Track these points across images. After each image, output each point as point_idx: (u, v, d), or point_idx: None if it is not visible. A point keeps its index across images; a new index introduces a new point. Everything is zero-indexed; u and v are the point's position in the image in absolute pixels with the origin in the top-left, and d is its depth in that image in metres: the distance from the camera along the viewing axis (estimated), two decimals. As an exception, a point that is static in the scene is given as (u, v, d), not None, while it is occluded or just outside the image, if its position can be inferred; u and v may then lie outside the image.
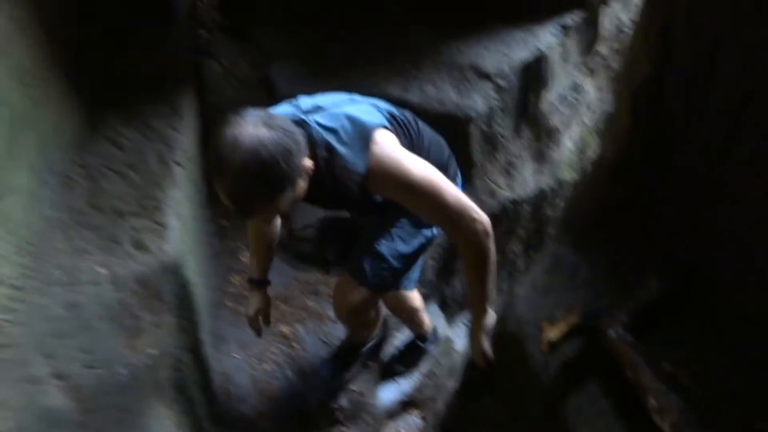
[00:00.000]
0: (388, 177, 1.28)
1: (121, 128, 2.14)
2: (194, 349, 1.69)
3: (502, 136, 2.88)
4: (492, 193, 3.00)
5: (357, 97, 1.53)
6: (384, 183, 1.29)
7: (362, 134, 1.29)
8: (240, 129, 1.14)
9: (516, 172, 3.13)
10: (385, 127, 1.34)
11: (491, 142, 2.84)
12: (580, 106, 3.42)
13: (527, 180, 3.24)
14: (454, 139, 2.67)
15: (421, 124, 1.62)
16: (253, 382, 2.22)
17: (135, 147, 2.07)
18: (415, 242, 1.69)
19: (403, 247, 1.66)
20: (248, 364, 2.31)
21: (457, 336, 2.92)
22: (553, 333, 1.23)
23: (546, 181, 3.39)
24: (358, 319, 1.92)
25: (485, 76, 2.71)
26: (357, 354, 2.28)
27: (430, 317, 2.52)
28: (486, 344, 1.43)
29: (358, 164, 1.27)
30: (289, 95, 2.59)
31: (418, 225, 1.68)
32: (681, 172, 1.19)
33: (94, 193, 1.89)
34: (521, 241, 3.67)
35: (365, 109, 1.39)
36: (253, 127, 1.14)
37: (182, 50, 2.55)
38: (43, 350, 1.36)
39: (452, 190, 1.32)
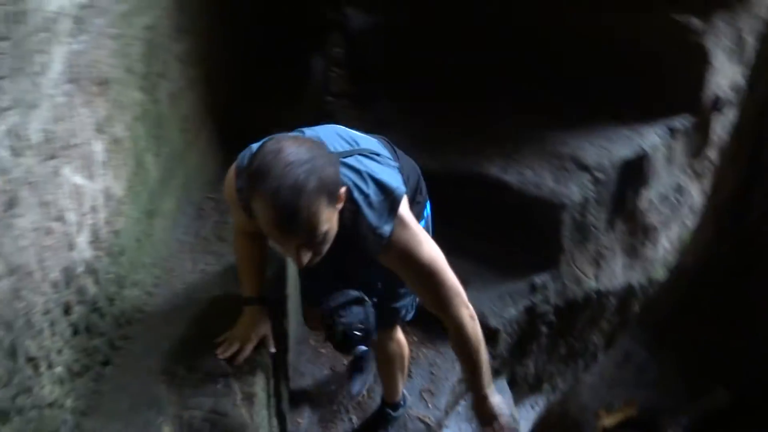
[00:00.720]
0: (402, 253, 1.31)
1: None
2: (277, 379, 1.88)
3: (595, 227, 2.92)
4: (578, 281, 3.02)
5: (340, 129, 1.52)
6: (396, 257, 1.32)
7: (390, 203, 1.30)
8: (286, 147, 1.12)
9: (605, 264, 3.13)
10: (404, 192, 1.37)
11: (583, 231, 2.89)
12: (681, 207, 3.38)
13: (616, 273, 3.22)
14: (546, 223, 2.79)
15: (399, 152, 1.67)
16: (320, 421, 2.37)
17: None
18: None
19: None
20: (320, 401, 2.46)
21: (522, 418, 2.90)
22: (608, 421, 1.26)
23: (637, 277, 3.34)
24: (403, 361, 2.02)
25: (584, 167, 2.80)
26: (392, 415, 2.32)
27: (498, 392, 2.53)
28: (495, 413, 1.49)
29: (385, 229, 1.29)
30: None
31: None
32: (759, 288, 1.22)
33: (219, 224, 2.19)
34: (603, 334, 3.59)
35: (384, 169, 1.37)
36: (297, 146, 1.14)
37: (312, 110, 2.90)
38: (159, 349, 1.61)
39: (451, 276, 1.38)
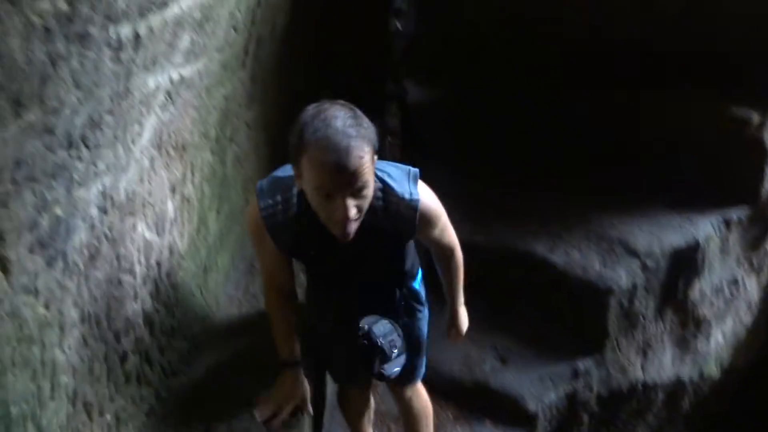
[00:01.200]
0: (434, 214, 1.44)
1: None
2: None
3: (643, 315, 2.84)
4: (623, 370, 2.90)
5: None
6: (429, 221, 1.43)
7: (408, 173, 1.41)
8: (329, 106, 1.23)
9: (653, 355, 3.01)
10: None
11: (630, 319, 2.81)
12: (737, 301, 3.25)
13: (665, 365, 3.09)
14: (592, 307, 2.73)
15: None
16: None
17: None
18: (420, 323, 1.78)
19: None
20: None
21: None
22: None
23: (687, 372, 3.18)
24: (428, 420, 2.06)
25: (633, 252, 2.76)
26: None
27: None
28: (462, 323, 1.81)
29: (414, 194, 1.36)
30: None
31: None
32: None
33: (268, 282, 2.27)
34: (650, 428, 3.40)
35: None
36: (339, 105, 1.25)
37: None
38: (201, 405, 1.64)
39: None
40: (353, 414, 2.06)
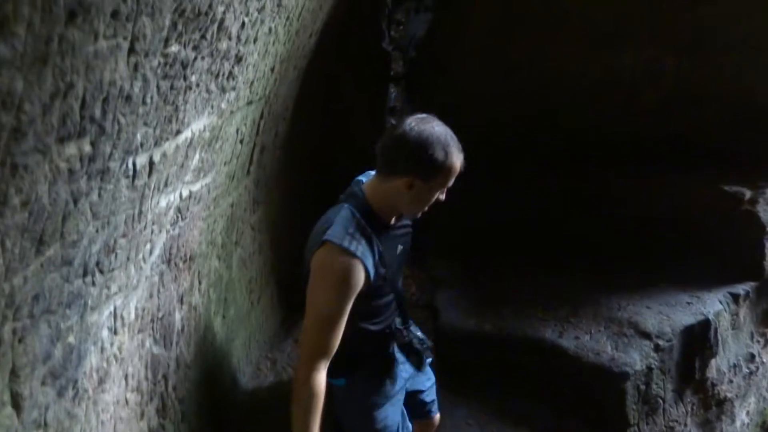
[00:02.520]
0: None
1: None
2: None
3: (662, 399, 2.75)
4: (649, 459, 2.77)
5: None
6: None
7: None
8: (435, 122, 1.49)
9: (678, 440, 2.88)
10: None
11: (649, 403, 2.71)
12: (756, 377, 3.16)
13: (692, 451, 2.94)
14: (608, 394, 2.65)
15: None
16: None
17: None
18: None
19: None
20: None
21: None
22: None
23: (716, 457, 3.03)
24: None
25: (645, 334, 2.72)
26: None
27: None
28: None
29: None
30: (450, 323, 2.90)
31: None
32: None
33: (275, 386, 2.22)
34: None
35: None
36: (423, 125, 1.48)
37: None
38: None
39: None
40: None
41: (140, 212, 1.15)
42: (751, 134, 3.14)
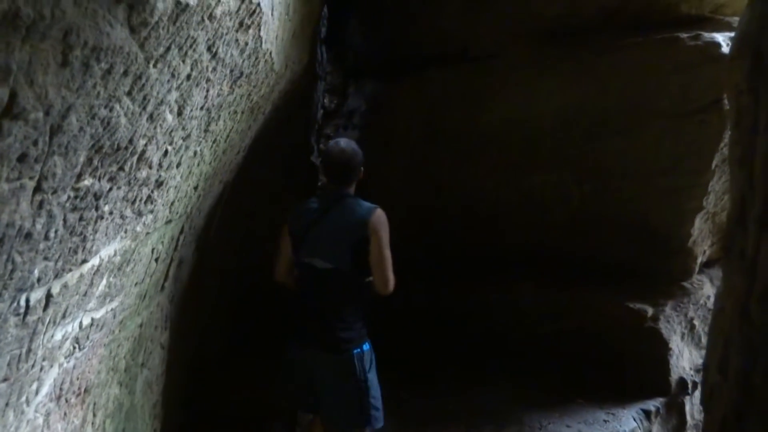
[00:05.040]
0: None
1: None
2: None
3: None
4: None
5: None
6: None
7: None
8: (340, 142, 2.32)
9: None
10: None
11: None
12: (674, 496, 3.18)
13: None
14: None
15: None
16: None
17: None
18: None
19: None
20: None
21: None
22: None
23: None
24: None
25: (566, 454, 2.71)
26: None
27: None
28: None
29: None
30: None
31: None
32: None
33: None
34: None
35: None
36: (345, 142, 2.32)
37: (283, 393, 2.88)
38: None
39: None
40: None
41: (29, 350, 1.05)
42: (646, 254, 3.41)
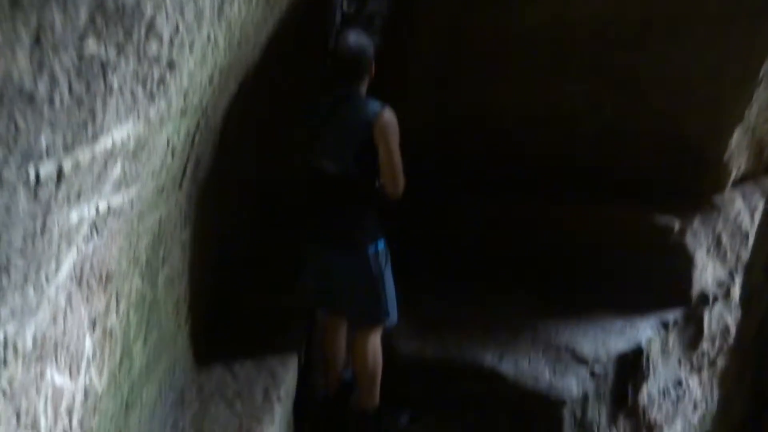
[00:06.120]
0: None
1: (239, 356, 2.40)
2: None
3: (597, 425, 2.78)
4: (583, 485, 2.77)
5: None
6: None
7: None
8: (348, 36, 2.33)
9: (611, 466, 2.91)
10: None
11: (584, 428, 2.73)
12: (683, 402, 3.25)
13: (623, 476, 2.98)
14: (545, 420, 2.65)
15: None
16: None
17: (246, 376, 2.29)
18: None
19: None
20: None
21: None
22: None
23: (645, 481, 3.09)
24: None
25: (581, 360, 2.75)
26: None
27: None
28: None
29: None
30: (390, 347, 2.82)
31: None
32: None
33: (200, 415, 2.07)
34: None
35: None
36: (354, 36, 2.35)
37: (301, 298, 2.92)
38: None
39: None
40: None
41: (44, 227, 1.02)
42: (678, 168, 3.29)
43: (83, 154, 1.09)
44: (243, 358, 2.39)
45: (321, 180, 2.42)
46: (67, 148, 1.01)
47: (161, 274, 2.02)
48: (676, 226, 3.10)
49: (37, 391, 1.17)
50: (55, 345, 1.22)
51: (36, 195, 0.96)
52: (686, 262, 3.08)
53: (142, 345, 1.85)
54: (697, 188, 3.26)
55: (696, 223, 3.18)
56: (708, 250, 3.24)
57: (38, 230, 1.01)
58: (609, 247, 3.15)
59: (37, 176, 0.94)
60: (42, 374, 1.19)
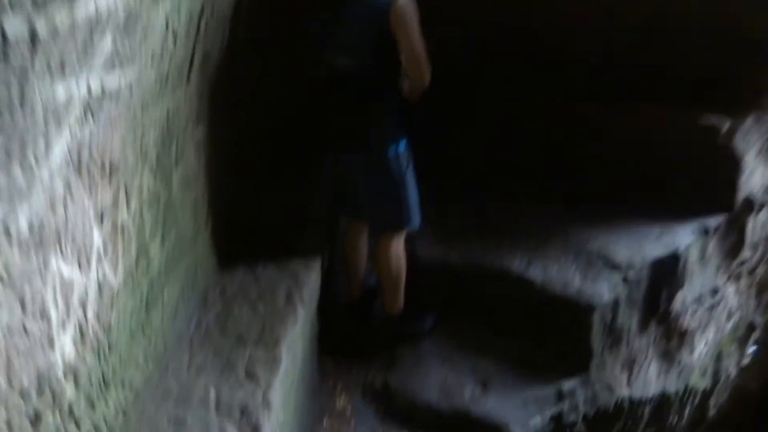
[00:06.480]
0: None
1: (261, 259, 2.37)
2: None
3: (627, 330, 2.72)
4: (609, 388, 2.77)
5: None
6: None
7: None
8: None
9: (638, 370, 2.88)
10: None
11: (614, 334, 2.68)
12: (718, 310, 3.16)
13: (650, 380, 2.97)
14: (574, 325, 2.59)
15: None
16: None
17: (269, 278, 2.27)
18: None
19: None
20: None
21: None
22: None
23: (673, 384, 3.07)
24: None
25: (614, 266, 2.65)
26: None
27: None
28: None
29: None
30: (414, 252, 2.76)
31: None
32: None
33: (224, 316, 2.06)
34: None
35: None
36: None
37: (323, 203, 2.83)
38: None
39: None
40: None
41: (22, 98, 0.92)
42: (731, 64, 2.97)
43: (60, 17, 0.96)
44: (265, 261, 2.36)
45: (337, 78, 2.26)
46: (37, 5, 0.88)
47: (175, 173, 1.94)
48: (725, 126, 2.85)
49: (43, 281, 1.12)
50: (58, 234, 1.15)
51: (6, 57, 0.85)
52: (733, 165, 2.86)
53: (159, 245, 1.81)
54: (751, 86, 2.96)
55: (747, 123, 2.93)
56: (758, 152, 3.01)
57: (15, 100, 0.90)
58: (650, 149, 2.94)
59: (3, 34, 0.83)
60: (46, 263, 1.14)
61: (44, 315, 1.14)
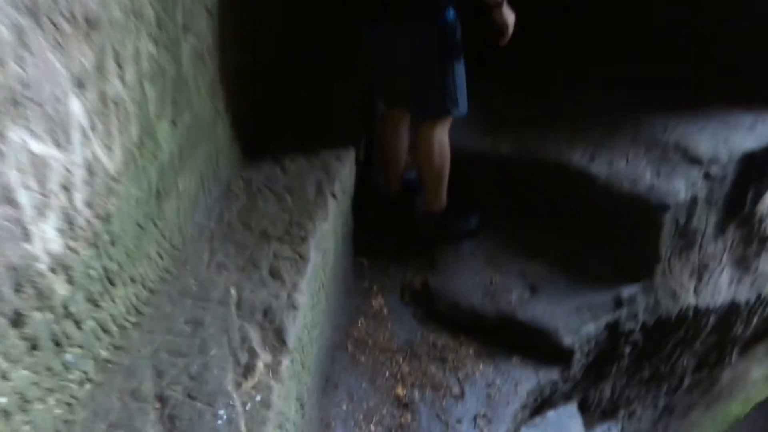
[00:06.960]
0: None
1: (289, 150, 2.13)
2: (302, 401, 1.54)
3: (702, 233, 2.40)
4: (673, 295, 2.51)
5: None
6: None
7: None
8: None
9: (709, 277, 2.60)
10: None
11: (686, 238, 2.37)
12: (809, 214, 2.77)
13: (720, 288, 2.68)
14: (641, 226, 2.30)
15: None
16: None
17: (298, 170, 2.04)
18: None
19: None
20: (354, 419, 2.12)
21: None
22: None
23: (744, 294, 2.79)
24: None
25: (694, 160, 2.28)
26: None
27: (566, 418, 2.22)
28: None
29: None
30: (459, 143, 2.46)
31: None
32: None
33: (248, 209, 1.87)
34: (695, 355, 3.06)
35: None
36: None
37: (357, 87, 2.53)
38: (154, 365, 1.30)
39: None
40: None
41: None
42: None
43: None
44: (294, 151, 2.12)
45: None
46: None
47: (184, 44, 1.66)
48: None
49: (2, 158, 0.91)
50: (13, 99, 0.92)
51: None
52: None
53: (169, 127, 1.58)
54: None
55: None
56: None
57: None
58: (742, 24, 2.42)
59: None
60: (9, 138, 0.92)
61: (12, 200, 0.94)
